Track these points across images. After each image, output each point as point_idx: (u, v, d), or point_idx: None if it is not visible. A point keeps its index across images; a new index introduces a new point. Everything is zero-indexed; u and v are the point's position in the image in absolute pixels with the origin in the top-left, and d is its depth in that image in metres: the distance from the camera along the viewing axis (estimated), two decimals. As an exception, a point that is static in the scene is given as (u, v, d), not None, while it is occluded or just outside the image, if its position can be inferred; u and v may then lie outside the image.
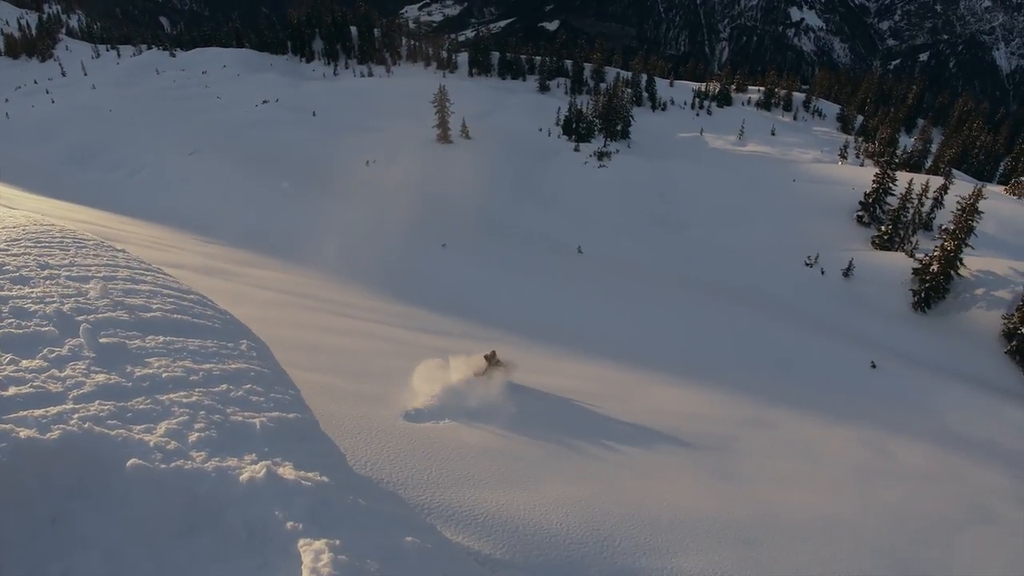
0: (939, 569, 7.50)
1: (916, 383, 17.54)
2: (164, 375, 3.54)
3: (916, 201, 30.10)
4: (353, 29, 72.19)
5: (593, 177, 36.83)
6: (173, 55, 69.88)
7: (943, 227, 25.99)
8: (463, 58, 70.54)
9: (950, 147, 51.28)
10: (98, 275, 4.82)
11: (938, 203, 30.58)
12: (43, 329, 3.51)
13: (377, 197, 27.77)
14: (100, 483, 2.48)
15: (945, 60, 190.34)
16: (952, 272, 24.72)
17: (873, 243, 30.25)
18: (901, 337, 22.65)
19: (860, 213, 32.13)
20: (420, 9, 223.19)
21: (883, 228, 30.35)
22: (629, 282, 23.84)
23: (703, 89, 64.59)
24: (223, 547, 2.49)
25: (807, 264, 27.91)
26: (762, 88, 64.77)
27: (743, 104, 62.84)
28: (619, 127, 46.26)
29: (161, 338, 4.04)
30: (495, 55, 69.04)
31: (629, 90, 55.96)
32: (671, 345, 17.16)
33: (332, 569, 2.34)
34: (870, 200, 31.87)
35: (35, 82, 60.69)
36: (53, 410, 2.74)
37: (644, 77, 61.66)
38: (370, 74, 66.98)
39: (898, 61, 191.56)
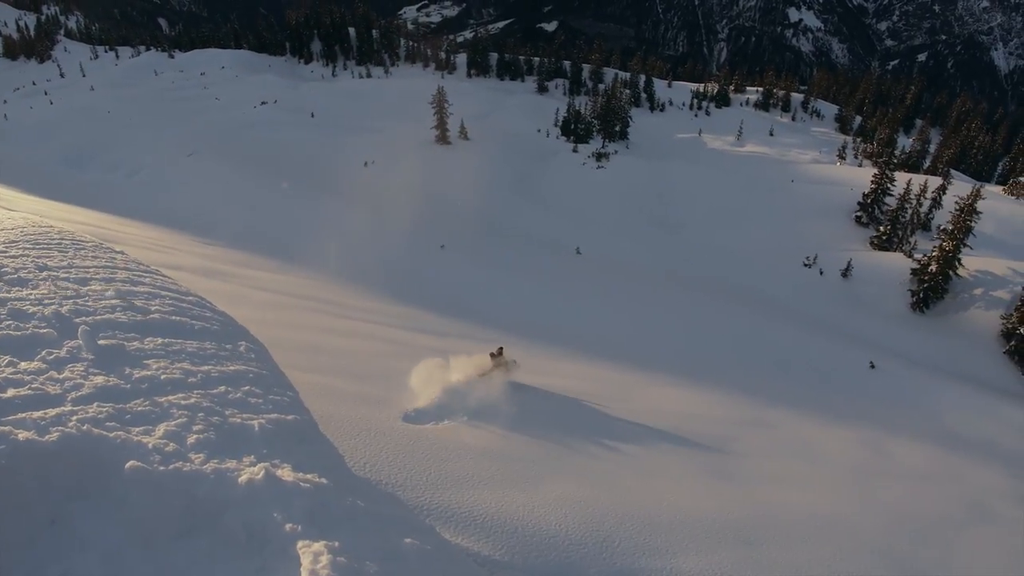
0: (938, 568, 7.51)
1: (915, 383, 17.56)
2: (163, 377, 3.53)
3: (914, 201, 30.16)
4: (351, 30, 72.23)
5: (591, 178, 36.86)
6: (171, 56, 69.86)
7: (941, 227, 26.03)
8: (462, 59, 70.60)
9: (948, 147, 51.39)
10: (96, 276, 4.81)
11: (936, 203, 30.63)
12: (41, 331, 3.51)
13: (376, 198, 27.76)
14: (99, 485, 2.48)
15: (943, 60, 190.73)
16: (950, 272, 24.76)
17: (871, 243, 30.29)
18: (900, 337, 22.68)
19: (858, 213, 32.18)
20: (418, 10, 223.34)
21: (881, 228, 30.39)
22: (627, 283, 23.85)
23: (701, 90, 64.69)
24: (222, 549, 2.49)
25: (806, 264, 27.94)
26: (760, 89, 64.89)
27: (741, 105, 62.93)
28: (617, 128, 46.31)
29: (160, 340, 4.03)
30: (493, 56, 69.12)
31: (627, 91, 56.02)
32: (670, 346, 17.17)
33: (331, 571, 2.34)
34: (868, 200, 31.92)
35: (33, 83, 60.65)
36: (52, 412, 2.73)
37: (642, 78, 61.77)
38: (368, 75, 67.01)
39: (896, 61, 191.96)
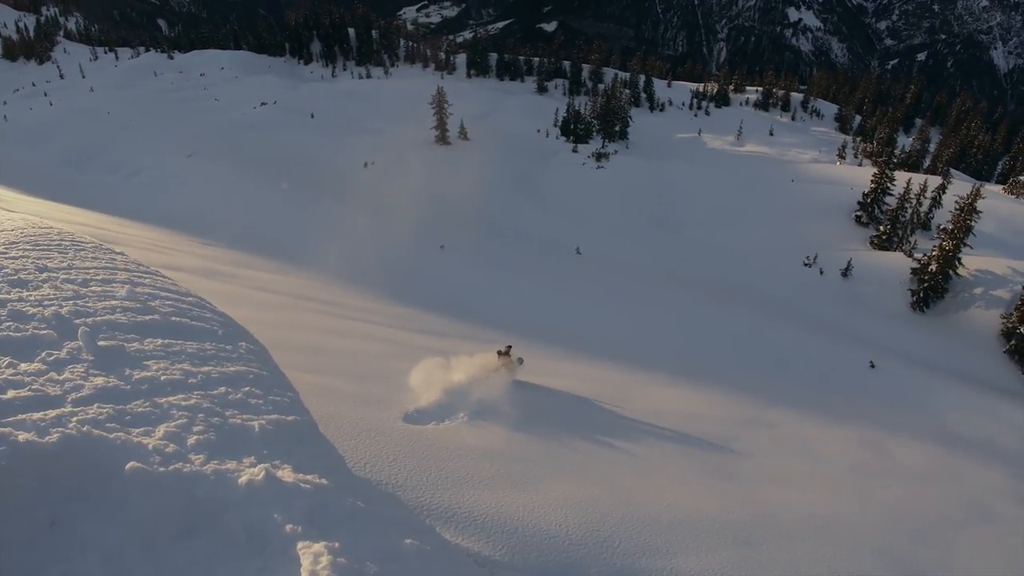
0: (938, 568, 7.51)
1: (915, 383, 17.56)
2: (163, 378, 3.54)
3: (914, 201, 30.15)
4: (351, 31, 72.22)
5: (591, 178, 36.86)
6: (171, 57, 69.85)
7: (941, 227, 26.03)
8: (461, 59, 70.58)
9: (948, 147, 51.37)
10: (96, 278, 4.82)
11: (936, 203, 30.62)
12: (41, 332, 3.51)
13: (376, 199, 27.77)
14: (99, 486, 2.48)
15: (943, 60, 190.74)
16: (950, 272, 24.75)
17: (871, 243, 30.29)
18: (900, 337, 22.67)
19: (858, 213, 32.18)
20: (418, 11, 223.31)
21: (881, 228, 30.39)
22: (627, 283, 23.86)
23: (701, 90, 64.66)
24: (222, 549, 2.50)
25: (805, 264, 27.94)
26: (760, 88, 64.87)
27: (741, 104, 62.91)
28: (617, 128, 46.31)
29: (160, 341, 4.04)
30: (493, 56, 69.10)
31: (627, 91, 56.01)
32: (670, 346, 17.17)
33: (331, 571, 2.35)
34: (868, 200, 31.92)
35: (33, 85, 60.64)
36: (52, 413, 2.74)
37: (642, 78, 61.75)
38: (368, 76, 66.99)
39: (896, 61, 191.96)
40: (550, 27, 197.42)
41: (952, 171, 40.20)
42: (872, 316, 24.30)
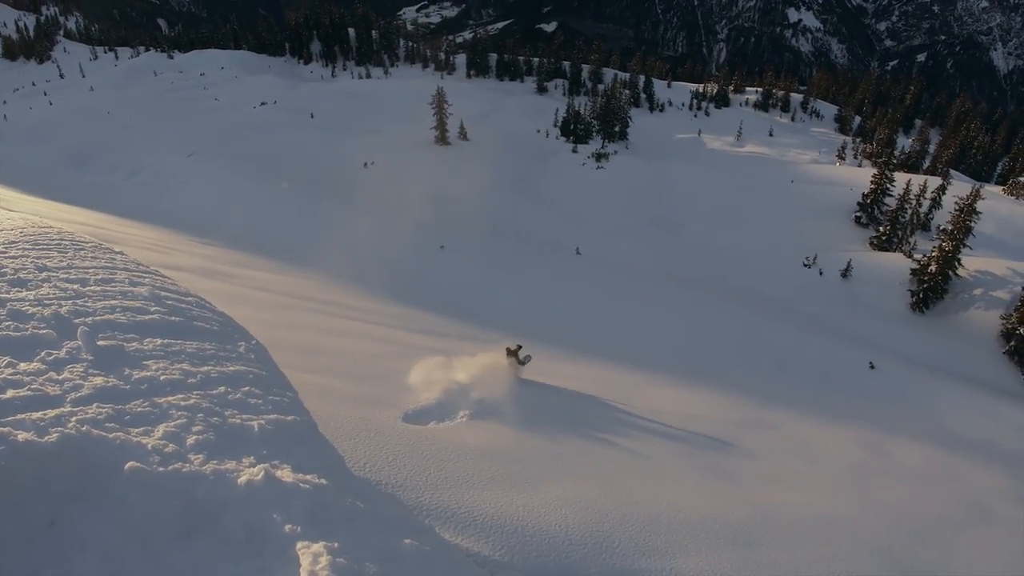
0: (938, 569, 7.51)
1: (914, 383, 17.57)
2: (162, 378, 3.53)
3: (914, 202, 30.16)
4: (351, 31, 72.24)
5: (591, 178, 36.87)
6: (171, 57, 69.88)
7: (941, 227, 26.04)
8: (461, 60, 70.61)
9: (948, 147, 51.41)
10: (96, 277, 4.81)
11: (936, 203, 30.65)
12: (41, 332, 3.51)
13: (376, 199, 27.77)
14: (98, 486, 2.48)
15: (943, 61, 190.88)
16: (950, 272, 24.77)
17: (871, 244, 30.30)
18: (899, 337, 22.68)
19: (858, 214, 32.19)
20: (418, 11, 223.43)
21: (881, 229, 30.40)
22: (628, 283, 23.86)
23: (701, 90, 64.73)
24: (221, 550, 2.49)
25: (805, 265, 27.94)
26: (760, 89, 64.94)
27: (741, 105, 62.97)
28: (617, 128, 46.34)
29: (159, 340, 4.03)
30: (493, 57, 69.14)
31: (627, 91, 56.04)
32: (670, 346, 17.17)
33: (330, 572, 2.34)
34: (868, 201, 31.92)
35: (33, 84, 60.63)
36: (51, 413, 2.73)
37: (642, 78, 61.79)
38: (368, 76, 67.01)
39: (896, 62, 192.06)
40: (550, 27, 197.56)
41: (952, 172, 40.25)
42: (872, 317, 24.31)
